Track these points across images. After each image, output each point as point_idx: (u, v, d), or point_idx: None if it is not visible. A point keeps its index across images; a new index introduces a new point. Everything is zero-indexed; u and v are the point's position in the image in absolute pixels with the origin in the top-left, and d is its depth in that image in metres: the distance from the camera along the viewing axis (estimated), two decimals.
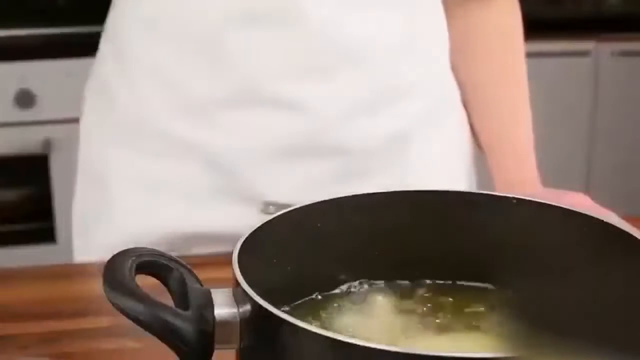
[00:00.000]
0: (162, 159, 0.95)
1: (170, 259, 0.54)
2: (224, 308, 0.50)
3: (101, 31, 1.03)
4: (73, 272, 0.98)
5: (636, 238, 0.55)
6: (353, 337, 0.44)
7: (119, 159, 0.97)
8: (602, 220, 0.58)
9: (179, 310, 0.50)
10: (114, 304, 0.50)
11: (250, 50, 0.90)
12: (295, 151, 0.94)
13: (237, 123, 0.92)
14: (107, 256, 0.52)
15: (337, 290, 0.61)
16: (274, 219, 0.58)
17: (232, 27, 0.90)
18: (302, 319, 0.46)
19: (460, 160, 1.06)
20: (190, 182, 0.95)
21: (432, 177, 1.00)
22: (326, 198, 0.60)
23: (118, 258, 0.52)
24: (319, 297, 0.60)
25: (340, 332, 0.45)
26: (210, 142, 0.93)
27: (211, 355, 0.50)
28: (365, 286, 0.62)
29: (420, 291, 0.62)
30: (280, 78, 0.91)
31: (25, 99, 2.12)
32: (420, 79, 0.98)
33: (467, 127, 1.06)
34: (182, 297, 0.52)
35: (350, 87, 0.93)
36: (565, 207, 0.60)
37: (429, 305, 0.60)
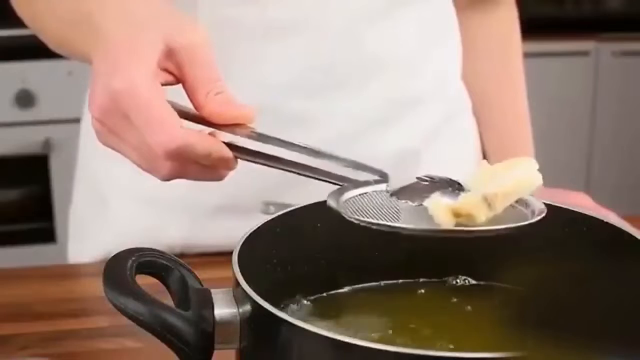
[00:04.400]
0: None
1: (170, 259, 0.54)
2: (224, 308, 0.50)
3: None
4: (73, 272, 0.97)
5: (636, 238, 0.55)
6: (353, 337, 0.44)
7: (120, 171, 0.95)
8: (602, 220, 0.58)
9: (179, 310, 0.50)
10: (114, 304, 0.50)
11: (262, 66, 0.89)
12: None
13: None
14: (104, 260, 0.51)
15: (337, 290, 0.61)
16: (274, 219, 0.59)
17: (244, 41, 0.88)
18: (303, 319, 0.46)
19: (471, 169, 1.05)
20: (194, 199, 0.93)
21: None
22: (326, 198, 0.60)
23: (118, 258, 0.52)
24: (319, 296, 0.60)
25: (340, 332, 0.45)
26: None
27: (211, 355, 0.50)
28: (366, 285, 0.62)
29: (420, 291, 0.62)
30: (293, 94, 0.89)
31: (25, 99, 2.12)
32: (433, 91, 0.97)
33: (477, 136, 1.05)
34: (182, 297, 0.52)
35: (363, 102, 0.92)
36: (565, 206, 0.60)
37: (429, 304, 0.60)
